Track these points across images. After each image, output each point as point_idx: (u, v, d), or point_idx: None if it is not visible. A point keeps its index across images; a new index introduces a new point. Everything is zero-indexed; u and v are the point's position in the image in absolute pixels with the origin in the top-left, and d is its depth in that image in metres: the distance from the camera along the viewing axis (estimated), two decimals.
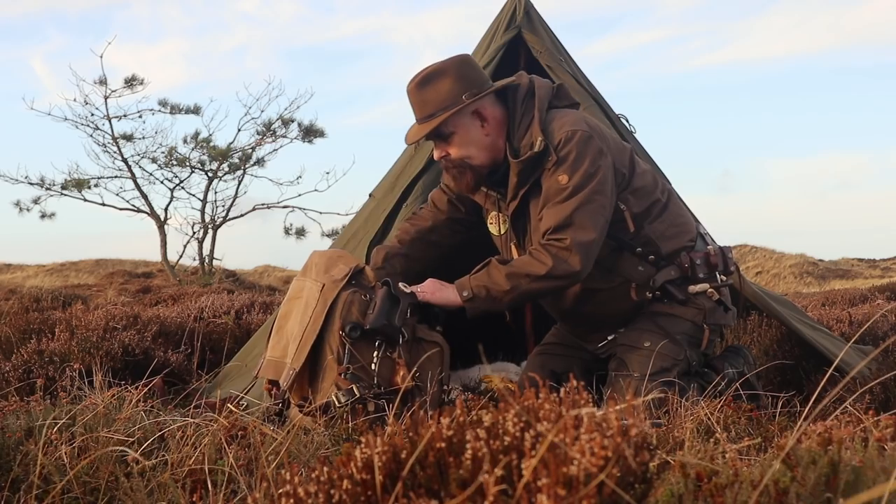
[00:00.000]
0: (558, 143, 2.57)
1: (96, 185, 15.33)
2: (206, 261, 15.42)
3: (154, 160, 15.54)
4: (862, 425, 1.62)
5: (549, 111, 2.68)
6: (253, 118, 15.86)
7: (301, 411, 2.42)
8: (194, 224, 15.60)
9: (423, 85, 2.63)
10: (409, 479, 1.04)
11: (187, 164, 15.63)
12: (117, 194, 15.41)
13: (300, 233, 15.95)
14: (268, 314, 5.15)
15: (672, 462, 1.37)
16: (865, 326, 3.44)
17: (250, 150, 15.86)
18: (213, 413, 2.29)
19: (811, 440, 1.21)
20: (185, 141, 15.79)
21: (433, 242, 2.99)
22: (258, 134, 15.95)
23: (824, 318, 4.36)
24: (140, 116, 15.39)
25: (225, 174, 15.85)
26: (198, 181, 18.28)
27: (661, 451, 1.62)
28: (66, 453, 1.76)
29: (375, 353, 2.50)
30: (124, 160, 15.25)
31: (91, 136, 15.27)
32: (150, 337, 3.87)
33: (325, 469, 1.08)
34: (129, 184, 15.36)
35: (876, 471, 1.15)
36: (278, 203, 15.88)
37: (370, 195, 3.89)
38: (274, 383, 2.62)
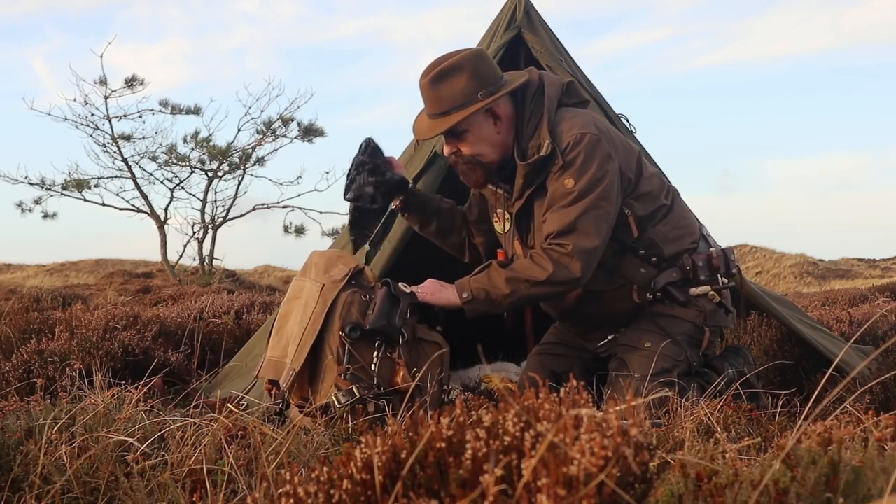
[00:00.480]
0: (566, 146, 2.55)
1: (96, 185, 15.33)
2: (206, 261, 15.42)
3: (154, 160, 15.54)
4: (862, 425, 1.62)
5: (559, 110, 2.65)
6: (253, 118, 15.87)
7: (301, 412, 2.42)
8: (194, 224, 15.61)
9: (438, 81, 2.59)
10: (409, 479, 1.04)
11: (187, 163, 15.63)
12: (117, 194, 15.42)
13: (299, 231, 15.94)
14: (268, 314, 5.15)
15: (672, 462, 1.37)
16: (865, 326, 3.44)
17: (250, 150, 15.86)
18: (213, 413, 2.29)
19: (811, 440, 1.21)
20: (185, 141, 15.80)
21: (462, 215, 3.07)
22: (258, 134, 15.96)
23: (824, 318, 4.36)
24: (140, 116, 15.40)
25: (225, 174, 15.86)
26: (198, 181, 18.30)
27: (661, 451, 1.62)
28: (66, 453, 1.76)
29: (375, 354, 2.50)
30: (124, 160, 15.25)
31: (91, 136, 15.28)
32: (150, 337, 3.87)
33: (325, 469, 1.08)
34: (129, 184, 15.38)
35: (876, 471, 1.15)
36: (278, 203, 15.88)
37: None
38: (274, 383, 2.62)
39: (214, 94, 49.36)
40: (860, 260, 24.52)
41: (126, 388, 2.32)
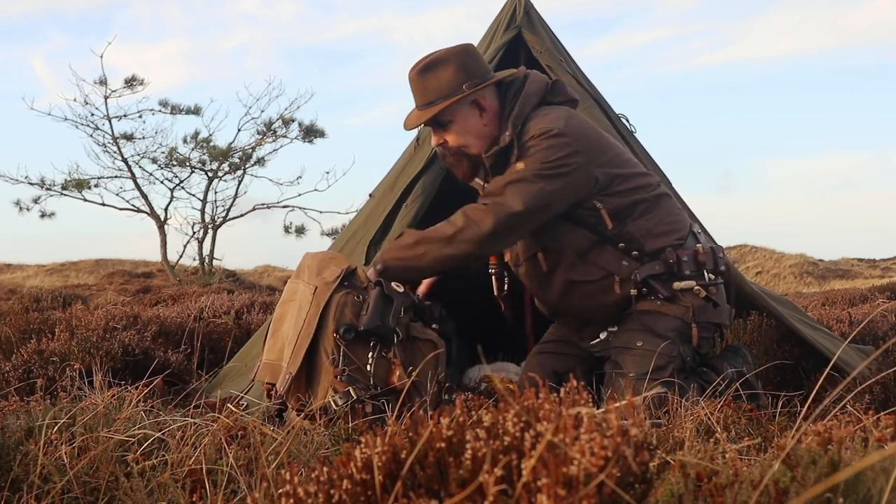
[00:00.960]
0: (528, 138, 2.61)
1: (96, 185, 15.34)
2: (206, 261, 15.42)
3: (154, 160, 15.54)
4: (862, 425, 1.62)
5: (540, 107, 2.70)
6: (253, 118, 15.88)
7: (299, 416, 2.42)
8: (194, 224, 15.62)
9: (425, 72, 2.69)
10: (408, 478, 1.04)
11: (187, 164, 15.63)
12: (117, 194, 15.43)
13: (299, 231, 15.94)
14: (268, 314, 5.15)
15: (672, 462, 1.37)
16: (863, 324, 3.44)
17: (250, 150, 15.86)
18: (213, 413, 2.29)
19: (811, 440, 1.21)
20: (185, 141, 15.80)
21: None
22: (258, 134, 15.96)
23: (824, 318, 4.36)
24: (140, 116, 15.41)
25: (225, 174, 15.86)
26: (198, 181, 18.29)
27: (661, 451, 1.62)
28: (66, 453, 1.76)
29: (371, 354, 2.50)
30: (124, 160, 15.26)
31: (91, 136, 15.30)
32: (150, 337, 3.87)
33: (325, 469, 1.08)
34: (129, 184, 15.39)
35: (876, 471, 1.15)
36: (278, 203, 15.89)
37: (370, 195, 3.89)
38: (272, 385, 2.63)
39: (214, 94, 49.39)
40: (860, 260, 24.51)
41: (126, 388, 2.32)
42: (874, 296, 7.95)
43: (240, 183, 15.87)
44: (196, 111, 15.86)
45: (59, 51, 33.83)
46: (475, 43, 3.81)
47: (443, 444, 1.04)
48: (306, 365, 2.53)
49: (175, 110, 15.78)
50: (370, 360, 2.50)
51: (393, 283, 2.63)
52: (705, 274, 2.73)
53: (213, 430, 1.87)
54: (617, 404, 1.05)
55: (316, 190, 16.24)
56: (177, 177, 15.69)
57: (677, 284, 2.70)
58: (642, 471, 1.00)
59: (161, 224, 15.33)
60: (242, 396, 2.74)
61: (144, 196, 15.39)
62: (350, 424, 2.16)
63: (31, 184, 15.29)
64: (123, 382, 2.63)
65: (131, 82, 15.21)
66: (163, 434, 1.91)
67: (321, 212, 15.68)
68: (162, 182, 15.70)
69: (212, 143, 15.67)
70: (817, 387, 1.59)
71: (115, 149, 15.23)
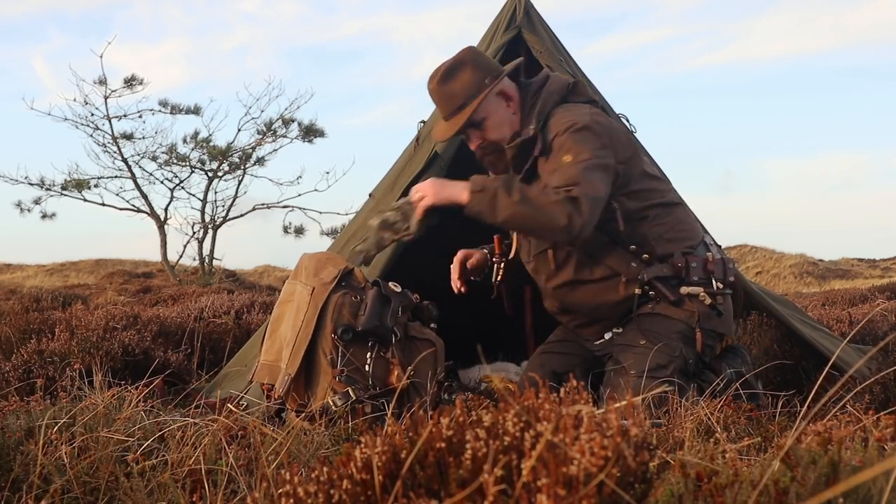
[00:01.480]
0: (555, 134, 2.62)
1: (96, 186, 15.31)
2: (206, 261, 15.41)
3: (154, 160, 15.54)
4: (862, 425, 1.62)
5: (561, 104, 2.73)
6: (253, 118, 15.86)
7: (298, 417, 2.42)
8: (194, 224, 15.59)
9: (446, 80, 2.71)
10: (408, 478, 1.04)
11: (187, 163, 15.63)
12: (117, 194, 15.40)
13: (299, 231, 15.94)
14: (267, 314, 5.15)
15: (672, 462, 1.37)
16: (862, 323, 3.44)
17: (250, 150, 15.85)
18: (213, 413, 2.29)
19: (811, 440, 1.21)
20: (184, 141, 15.78)
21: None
22: (258, 134, 15.94)
23: (824, 318, 4.36)
24: (140, 116, 15.38)
25: (225, 174, 15.84)
26: (198, 181, 18.30)
27: (661, 451, 1.62)
28: (66, 453, 1.76)
29: (369, 354, 2.51)
30: (124, 160, 15.24)
31: (91, 136, 15.26)
32: (150, 337, 3.87)
33: (325, 469, 1.08)
34: (129, 184, 15.36)
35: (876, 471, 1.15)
36: (278, 203, 15.87)
37: (370, 195, 3.89)
38: (271, 385, 2.63)
39: (214, 94, 49.40)
40: (860, 260, 24.50)
41: (126, 388, 2.32)
42: (874, 296, 7.95)
43: (240, 183, 15.86)
44: (196, 111, 15.85)
45: (59, 51, 33.87)
46: (475, 43, 3.81)
47: (443, 444, 1.04)
48: (305, 366, 2.53)
49: (175, 110, 15.76)
50: (368, 361, 2.50)
51: (391, 283, 2.63)
52: (713, 282, 2.74)
53: (213, 430, 1.87)
54: (617, 404, 1.05)
55: (316, 190, 16.23)
56: (177, 177, 15.68)
57: (684, 289, 2.70)
58: (642, 471, 1.00)
59: (161, 224, 15.31)
60: (242, 396, 2.74)
61: (144, 196, 15.38)
62: (350, 424, 2.16)
63: (31, 184, 15.27)
64: (123, 382, 2.63)
65: (131, 82, 15.20)
66: (163, 434, 1.91)
67: (321, 212, 15.68)
68: (162, 182, 15.70)
69: (212, 143, 15.66)
70: (816, 387, 1.59)
71: (115, 149, 15.21)
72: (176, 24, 33.72)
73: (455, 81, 2.69)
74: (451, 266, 2.98)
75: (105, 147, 15.33)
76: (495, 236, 2.96)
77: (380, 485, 1.04)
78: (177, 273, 15.05)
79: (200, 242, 15.53)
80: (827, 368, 1.77)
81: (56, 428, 1.86)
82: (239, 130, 15.90)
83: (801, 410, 2.36)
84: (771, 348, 3.43)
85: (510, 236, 2.96)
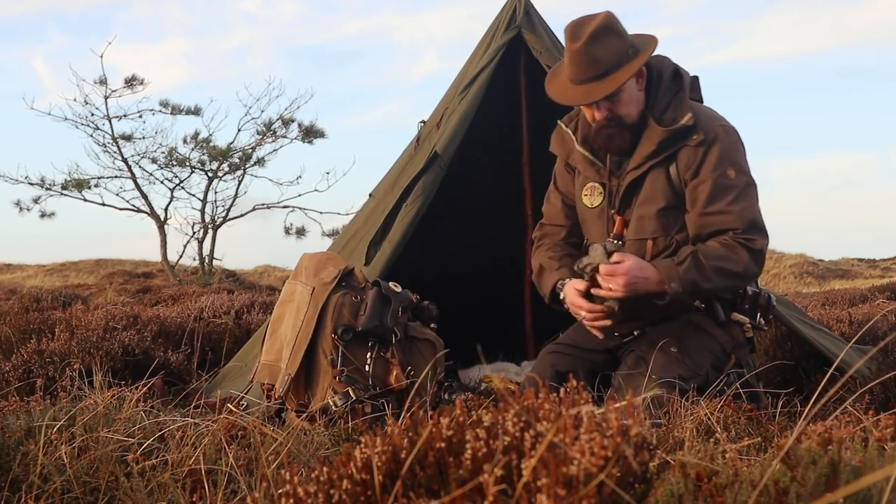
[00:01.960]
0: (715, 129, 2.60)
1: (96, 185, 15.31)
2: (206, 261, 15.41)
3: (154, 160, 15.53)
4: (862, 425, 1.62)
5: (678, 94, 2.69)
6: (253, 118, 15.84)
7: (299, 417, 2.42)
8: (194, 224, 15.59)
9: (595, 42, 2.53)
10: (408, 478, 1.04)
11: (187, 164, 15.62)
12: (117, 194, 15.39)
13: (300, 232, 15.93)
14: (268, 314, 5.15)
15: (672, 462, 1.37)
16: (867, 327, 3.43)
17: (250, 150, 15.84)
18: (212, 413, 2.29)
19: (811, 440, 1.21)
20: (185, 141, 15.78)
21: (575, 244, 2.95)
22: (258, 134, 15.93)
23: (824, 318, 4.35)
24: (140, 116, 15.38)
25: (225, 174, 15.84)
26: (198, 181, 18.24)
27: (661, 451, 1.62)
28: (66, 453, 1.76)
29: (369, 354, 2.51)
30: (124, 160, 15.24)
31: (91, 136, 15.25)
32: (150, 337, 3.87)
33: (325, 469, 1.08)
34: (129, 184, 15.35)
35: (876, 471, 1.15)
36: (278, 203, 15.87)
37: (370, 195, 3.89)
38: (271, 385, 2.63)
39: (215, 94, 49.32)
40: (860, 260, 24.48)
41: (126, 388, 2.32)
42: (874, 296, 7.95)
43: (240, 183, 15.85)
44: (196, 111, 15.84)
45: (59, 51, 33.84)
46: (475, 43, 3.81)
47: (443, 444, 1.04)
48: (305, 366, 2.53)
49: (175, 110, 15.76)
50: (369, 361, 2.50)
51: (391, 283, 2.62)
52: (758, 317, 2.75)
53: (213, 430, 1.87)
54: (618, 404, 1.05)
55: (316, 190, 16.20)
56: (177, 177, 15.68)
57: (735, 315, 2.72)
58: (642, 471, 1.00)
59: (161, 224, 15.31)
60: (242, 396, 2.74)
61: (144, 196, 15.37)
62: (350, 424, 2.16)
63: (31, 184, 15.27)
64: (123, 382, 2.63)
65: (131, 82, 15.19)
66: (163, 434, 1.91)
67: (321, 212, 15.67)
68: (162, 182, 15.69)
69: (212, 144, 15.66)
70: (820, 388, 1.59)
71: (115, 149, 15.20)
72: (176, 24, 33.70)
73: (601, 47, 2.52)
74: (580, 312, 2.69)
75: (105, 147, 15.33)
76: (618, 217, 2.75)
77: (380, 485, 1.04)
78: (177, 273, 15.05)
79: (200, 242, 15.53)
80: (832, 370, 1.77)
81: (56, 428, 1.86)
82: (239, 130, 15.90)
83: (801, 410, 2.36)
84: (771, 348, 3.43)
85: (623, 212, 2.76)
